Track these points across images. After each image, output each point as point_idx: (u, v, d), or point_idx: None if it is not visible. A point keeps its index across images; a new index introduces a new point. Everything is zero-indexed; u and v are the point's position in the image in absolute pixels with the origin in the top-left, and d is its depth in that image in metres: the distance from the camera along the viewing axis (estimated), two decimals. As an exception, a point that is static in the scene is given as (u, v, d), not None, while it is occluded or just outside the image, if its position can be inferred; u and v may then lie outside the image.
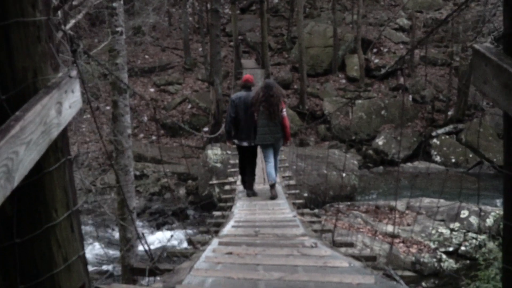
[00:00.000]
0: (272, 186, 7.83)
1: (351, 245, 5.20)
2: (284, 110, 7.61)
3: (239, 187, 8.77)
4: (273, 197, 7.80)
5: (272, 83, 7.84)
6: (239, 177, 8.81)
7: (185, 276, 2.72)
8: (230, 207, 7.53)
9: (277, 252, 3.53)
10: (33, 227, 1.58)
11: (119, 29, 7.50)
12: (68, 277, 1.69)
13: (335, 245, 4.35)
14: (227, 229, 5.52)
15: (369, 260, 3.89)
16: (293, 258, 3.25)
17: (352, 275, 2.58)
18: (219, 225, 6.21)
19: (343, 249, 4.22)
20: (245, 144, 7.90)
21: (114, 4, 7.46)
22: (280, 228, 5.29)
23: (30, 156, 1.39)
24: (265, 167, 8.04)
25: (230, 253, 3.40)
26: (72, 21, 6.26)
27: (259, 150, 8.15)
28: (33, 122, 1.40)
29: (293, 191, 8.66)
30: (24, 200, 1.55)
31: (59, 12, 6.27)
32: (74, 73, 1.68)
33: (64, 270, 1.67)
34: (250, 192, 8.17)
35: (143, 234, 2.93)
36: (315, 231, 5.54)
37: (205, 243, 4.46)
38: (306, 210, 7.45)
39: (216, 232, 5.30)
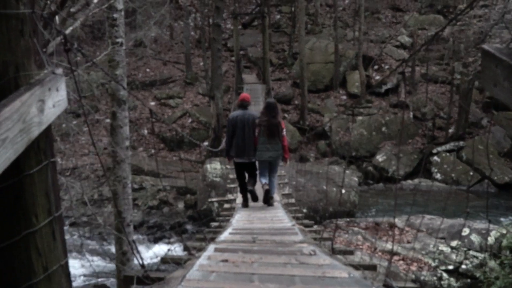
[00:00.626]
0: (271, 198, 8.25)
1: (351, 253, 5.05)
2: (284, 130, 8.08)
3: (238, 204, 8.90)
4: (270, 204, 8.24)
5: (274, 104, 8.24)
6: (239, 194, 9.01)
7: (176, 287, 2.61)
8: (228, 220, 7.43)
9: (274, 260, 3.38)
10: (11, 233, 1.48)
11: (119, 40, 7.46)
12: (48, 287, 1.58)
13: (334, 252, 4.21)
14: (225, 235, 5.38)
15: (369, 269, 3.78)
16: (290, 267, 3.10)
17: (351, 287, 2.48)
18: (217, 233, 6.10)
19: (342, 258, 4.08)
20: (241, 160, 8.20)
21: (115, 15, 7.42)
22: (279, 235, 5.13)
23: (6, 155, 1.30)
24: (260, 180, 8.30)
25: (226, 261, 3.26)
26: (70, 28, 6.20)
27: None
28: (10, 118, 1.31)
29: (293, 208, 8.55)
30: (1, 204, 1.46)
31: (56, 18, 6.22)
32: (59, 70, 1.59)
33: (44, 280, 1.56)
34: (246, 203, 8.49)
35: (134, 241, 2.81)
36: (315, 238, 5.41)
37: (201, 249, 4.34)
38: (306, 221, 7.34)
39: (213, 239, 5.16)
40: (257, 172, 8.41)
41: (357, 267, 3.12)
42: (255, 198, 8.35)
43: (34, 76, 1.51)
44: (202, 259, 3.36)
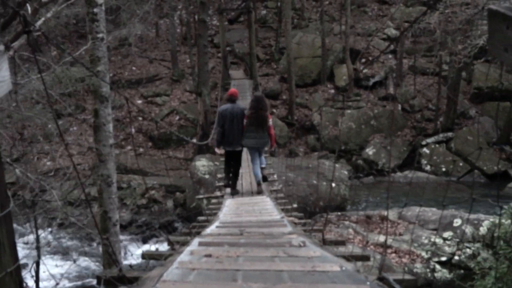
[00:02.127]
0: (258, 184, 9.07)
1: (342, 243, 4.88)
2: (270, 120, 8.91)
3: (227, 195, 9.37)
4: (259, 191, 9.02)
5: (261, 97, 9.20)
6: (226, 181, 9.57)
7: None
8: (216, 214, 7.29)
9: (261, 253, 3.15)
10: None
11: (100, 35, 7.27)
12: (-9, 299, 1.37)
13: (325, 243, 4.04)
14: (211, 228, 5.18)
15: (362, 260, 3.62)
16: (278, 262, 2.86)
17: (344, 284, 2.27)
18: (203, 227, 5.94)
19: (333, 249, 3.90)
20: (230, 149, 9.02)
21: (95, 10, 7.23)
22: (267, 227, 4.95)
23: None
24: (252, 169, 9.31)
25: (209, 256, 3.03)
26: (42, 19, 5.99)
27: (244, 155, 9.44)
28: None
29: (282, 201, 8.50)
30: None
31: (28, 7, 6.00)
32: (0, 47, 1.41)
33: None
34: (234, 191, 9.23)
35: (107, 238, 2.64)
36: (305, 230, 5.24)
37: (185, 244, 4.16)
38: (295, 213, 7.20)
39: (199, 233, 4.97)
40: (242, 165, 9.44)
41: (349, 258, 2.95)
42: (234, 188, 9.25)
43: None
44: (184, 255, 3.11)
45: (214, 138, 9.68)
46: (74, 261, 11.36)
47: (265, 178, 9.23)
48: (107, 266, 7.28)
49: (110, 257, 7.42)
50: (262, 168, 9.11)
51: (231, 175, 9.30)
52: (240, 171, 9.57)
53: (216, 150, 9.36)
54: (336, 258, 2.84)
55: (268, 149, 9.45)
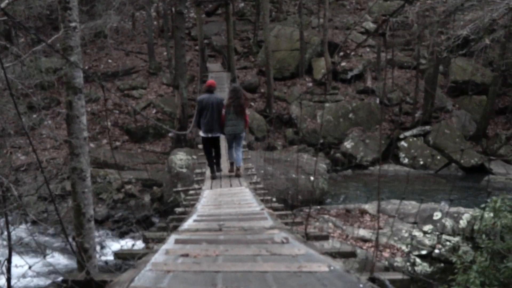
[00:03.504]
0: (238, 169, 9.84)
1: (325, 238, 4.75)
2: (247, 109, 9.81)
3: (208, 180, 9.97)
4: (238, 175, 9.75)
5: (238, 87, 9.99)
6: (207, 173, 10.36)
7: None
8: (194, 205, 7.12)
9: (242, 251, 2.96)
10: None
11: (73, 24, 7.00)
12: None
13: (308, 238, 3.88)
14: (188, 223, 4.96)
15: (349, 257, 3.48)
16: (261, 262, 2.66)
17: (334, 286, 2.08)
18: (181, 221, 5.75)
19: (318, 244, 3.74)
20: (209, 135, 9.65)
21: (68, -2, 6.96)
22: (247, 221, 4.78)
23: None
24: (232, 153, 9.99)
25: (186, 255, 2.81)
26: (5, 2, 5.71)
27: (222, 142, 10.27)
28: None
29: (261, 191, 8.45)
30: None
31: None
32: None
33: None
34: (214, 174, 9.89)
35: (74, 237, 2.44)
36: (286, 223, 5.10)
37: (162, 240, 3.95)
38: (275, 205, 7.07)
39: (176, 227, 4.77)
40: (222, 150, 10.26)
41: (335, 255, 2.80)
42: (219, 169, 10.04)
43: None
44: (159, 255, 2.89)
45: (195, 126, 10.47)
46: (44, 256, 11.08)
47: (238, 168, 9.91)
48: (80, 266, 7.05)
49: (85, 253, 7.20)
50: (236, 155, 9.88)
51: (214, 160, 9.97)
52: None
53: (200, 133, 9.95)
54: (323, 256, 2.64)
55: (245, 133, 10.17)
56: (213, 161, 9.97)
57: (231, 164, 10.16)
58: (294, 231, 4.09)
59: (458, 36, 9.82)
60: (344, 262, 2.53)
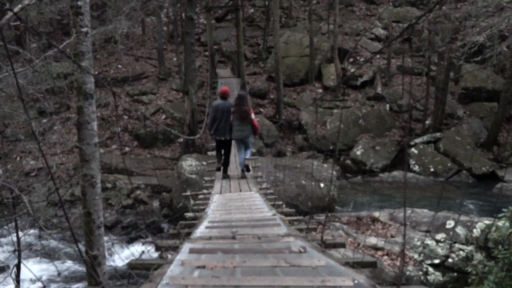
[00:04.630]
0: (242, 170, 10.75)
1: (342, 245, 4.67)
2: (253, 114, 10.48)
3: (218, 180, 10.73)
4: (243, 176, 10.67)
5: (243, 95, 10.65)
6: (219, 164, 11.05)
7: None
8: (204, 210, 7.05)
9: (260, 263, 2.83)
10: None
11: (84, 29, 6.97)
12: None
13: (325, 246, 3.79)
14: (200, 230, 4.90)
15: (370, 267, 3.40)
16: (281, 274, 2.56)
17: None
18: (192, 227, 5.67)
19: (336, 254, 3.64)
20: (222, 138, 10.52)
21: (79, 3, 6.93)
22: (260, 227, 4.71)
23: None
24: (237, 158, 11.02)
25: (203, 267, 2.71)
26: (19, 6, 5.71)
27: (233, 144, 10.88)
28: None
29: (272, 197, 8.46)
30: None
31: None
32: None
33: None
34: (225, 175, 10.78)
35: (87, 251, 2.38)
36: (300, 230, 5.01)
37: (175, 249, 3.86)
38: (286, 210, 7.00)
39: (188, 234, 4.68)
40: (232, 152, 11.10)
41: (356, 266, 2.70)
42: (228, 177, 10.75)
43: None
44: (174, 267, 2.79)
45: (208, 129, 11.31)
46: (53, 263, 11.05)
47: (247, 168, 10.70)
48: (90, 277, 6.98)
49: (94, 260, 7.13)
50: (245, 159, 10.59)
51: (222, 161, 10.78)
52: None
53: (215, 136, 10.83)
54: (344, 268, 2.55)
55: (253, 138, 11.01)
56: (226, 161, 10.85)
57: (242, 171, 10.85)
58: (309, 239, 3.99)
59: (475, 43, 9.72)
60: (368, 278, 2.43)
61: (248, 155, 10.70)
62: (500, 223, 6.02)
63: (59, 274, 10.90)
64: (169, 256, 3.43)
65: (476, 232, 8.28)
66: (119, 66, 26.82)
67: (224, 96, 10.79)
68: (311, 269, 2.59)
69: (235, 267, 2.74)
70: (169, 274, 2.51)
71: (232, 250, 3.39)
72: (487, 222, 8.30)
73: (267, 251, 3.22)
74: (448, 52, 15.76)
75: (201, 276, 2.52)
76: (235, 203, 7.44)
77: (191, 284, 2.37)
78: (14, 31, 22.49)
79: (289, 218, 6.07)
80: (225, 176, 10.79)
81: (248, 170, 10.79)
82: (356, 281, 2.25)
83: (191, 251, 3.40)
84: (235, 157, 11.70)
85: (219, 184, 10.19)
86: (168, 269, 2.68)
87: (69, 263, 12.05)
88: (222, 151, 10.77)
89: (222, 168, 10.88)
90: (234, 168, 11.49)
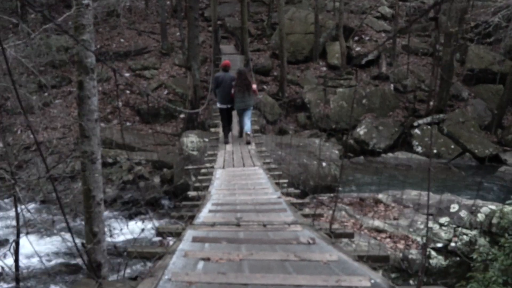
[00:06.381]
0: (248, 135, 11.88)
1: (351, 235, 4.55)
2: (254, 85, 12.04)
3: (221, 144, 12.15)
4: (248, 142, 11.83)
5: (243, 70, 12.37)
6: (221, 138, 12.66)
7: None
8: (207, 187, 6.94)
9: (268, 256, 2.67)
10: None
11: (85, 1, 6.78)
12: None
13: (334, 236, 3.67)
14: (204, 214, 4.77)
15: (381, 261, 3.28)
16: (292, 271, 2.40)
17: None
18: (194, 207, 5.56)
19: (346, 247, 3.52)
20: (224, 106, 11.99)
21: (80, -26, 6.72)
22: (265, 213, 4.60)
23: None
24: (240, 125, 12.42)
25: (208, 259, 2.54)
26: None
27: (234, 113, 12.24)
28: None
29: (276, 173, 8.64)
30: None
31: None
32: None
33: None
34: (226, 139, 12.20)
35: (83, 244, 2.26)
36: (306, 215, 4.90)
37: (177, 235, 3.74)
38: (291, 190, 6.91)
39: (191, 218, 4.56)
40: (233, 120, 12.70)
41: (367, 260, 2.57)
42: (229, 142, 12.12)
43: None
44: (177, 258, 2.62)
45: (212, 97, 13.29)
46: (51, 236, 11.02)
47: (248, 141, 11.85)
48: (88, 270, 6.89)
49: (94, 237, 7.05)
50: (246, 134, 11.85)
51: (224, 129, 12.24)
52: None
53: (217, 104, 12.35)
54: (357, 264, 2.40)
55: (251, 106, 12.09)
56: (227, 127, 12.26)
57: (241, 129, 12.30)
58: (316, 227, 3.86)
59: (489, 23, 9.51)
60: (385, 276, 2.31)
61: (249, 125, 11.99)
62: (506, 209, 5.91)
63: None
64: (170, 243, 3.29)
65: (480, 216, 8.17)
66: (122, 40, 26.53)
67: (226, 68, 12.22)
68: (322, 264, 2.45)
69: (242, 260, 2.60)
70: (172, 267, 2.34)
71: (237, 239, 3.27)
72: (492, 207, 8.18)
73: (274, 241, 3.09)
74: (459, 33, 15.48)
75: (206, 271, 2.37)
76: (239, 180, 7.33)
77: (195, 281, 2.21)
78: (15, 2, 22.19)
79: (294, 200, 5.96)
80: (227, 141, 12.15)
81: (249, 143, 11.81)
82: (373, 281, 2.11)
83: (194, 239, 3.26)
84: (236, 122, 13.01)
85: (221, 158, 10.43)
86: (170, 261, 2.52)
87: (68, 237, 12.01)
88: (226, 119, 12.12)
89: (223, 133, 12.32)
90: (236, 139, 12.63)
